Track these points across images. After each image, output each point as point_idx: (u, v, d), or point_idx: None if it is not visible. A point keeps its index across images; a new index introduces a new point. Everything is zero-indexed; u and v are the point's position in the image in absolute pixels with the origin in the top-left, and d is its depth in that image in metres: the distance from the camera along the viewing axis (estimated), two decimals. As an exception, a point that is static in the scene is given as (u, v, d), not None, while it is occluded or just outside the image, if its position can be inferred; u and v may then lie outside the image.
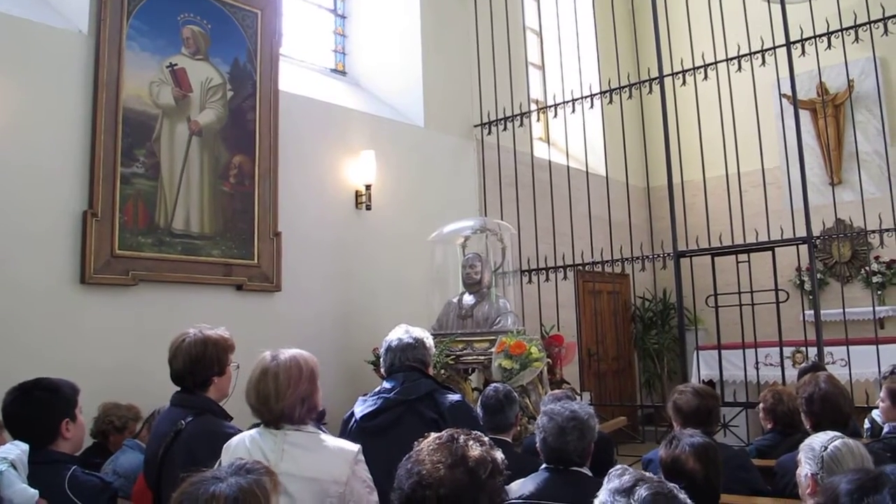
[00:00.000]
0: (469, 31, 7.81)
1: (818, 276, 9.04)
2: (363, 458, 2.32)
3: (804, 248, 6.19)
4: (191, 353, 2.65)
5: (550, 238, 7.22)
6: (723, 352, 6.56)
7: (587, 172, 7.23)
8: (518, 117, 7.56)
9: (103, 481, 2.53)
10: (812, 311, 6.30)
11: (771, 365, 6.99)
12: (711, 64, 6.57)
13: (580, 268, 7.28)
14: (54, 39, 4.72)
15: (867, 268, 9.13)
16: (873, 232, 6.35)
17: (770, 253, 6.12)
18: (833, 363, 6.64)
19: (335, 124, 6.47)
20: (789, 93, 6.47)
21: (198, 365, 2.64)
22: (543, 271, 7.28)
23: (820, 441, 2.49)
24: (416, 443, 1.85)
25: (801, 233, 6.08)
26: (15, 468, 2.24)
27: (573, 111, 7.33)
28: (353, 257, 6.39)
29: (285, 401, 2.22)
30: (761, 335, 6.28)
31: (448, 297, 5.81)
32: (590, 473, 2.69)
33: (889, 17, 6.10)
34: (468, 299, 5.63)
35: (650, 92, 6.92)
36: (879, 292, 8.95)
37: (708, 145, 6.41)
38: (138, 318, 4.83)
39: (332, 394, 5.46)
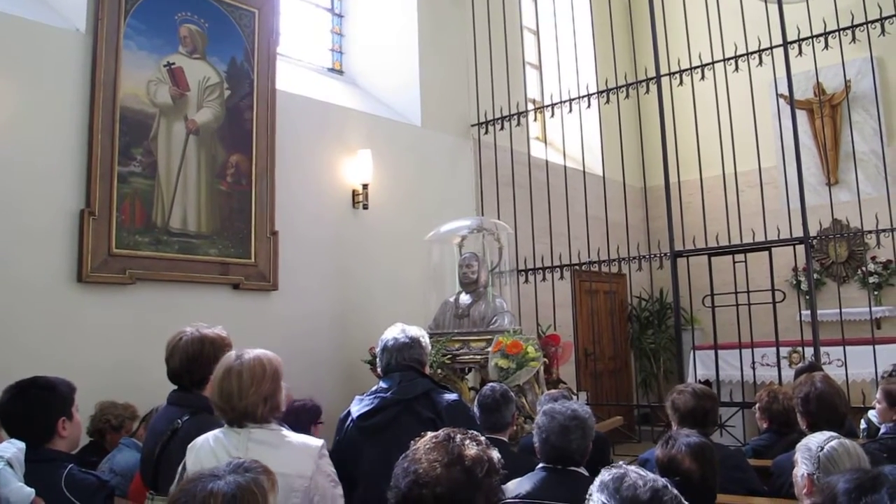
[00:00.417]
0: (466, 30, 7.81)
1: (815, 276, 9.03)
2: (327, 452, 2.35)
3: (801, 249, 6.20)
4: (187, 351, 2.66)
5: (547, 238, 7.22)
6: (719, 352, 6.57)
7: (584, 172, 7.24)
8: (515, 117, 7.56)
9: (100, 480, 2.53)
10: (809, 312, 6.31)
11: (767, 365, 7.00)
12: (708, 64, 6.58)
13: (577, 267, 7.28)
14: (51, 38, 4.72)
15: (864, 268, 9.15)
16: (870, 232, 6.36)
17: (767, 253, 6.13)
18: (829, 363, 6.65)
19: (332, 123, 6.47)
20: (786, 93, 6.47)
21: (194, 363, 2.65)
22: (540, 271, 7.28)
23: (816, 441, 2.50)
24: (412, 442, 1.86)
25: (798, 233, 6.09)
26: (11, 466, 2.23)
27: (570, 111, 7.33)
28: (350, 256, 6.39)
29: (248, 399, 2.24)
30: (758, 335, 6.29)
31: (445, 296, 5.81)
32: (586, 473, 2.69)
33: (886, 18, 6.11)
34: (465, 299, 5.63)
35: (647, 92, 6.92)
36: (876, 292, 8.96)
37: (705, 145, 6.41)
38: (135, 317, 4.83)
39: (329, 393, 5.48)
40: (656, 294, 9.67)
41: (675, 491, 1.54)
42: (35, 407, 2.49)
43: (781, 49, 6.18)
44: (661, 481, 1.54)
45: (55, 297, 4.52)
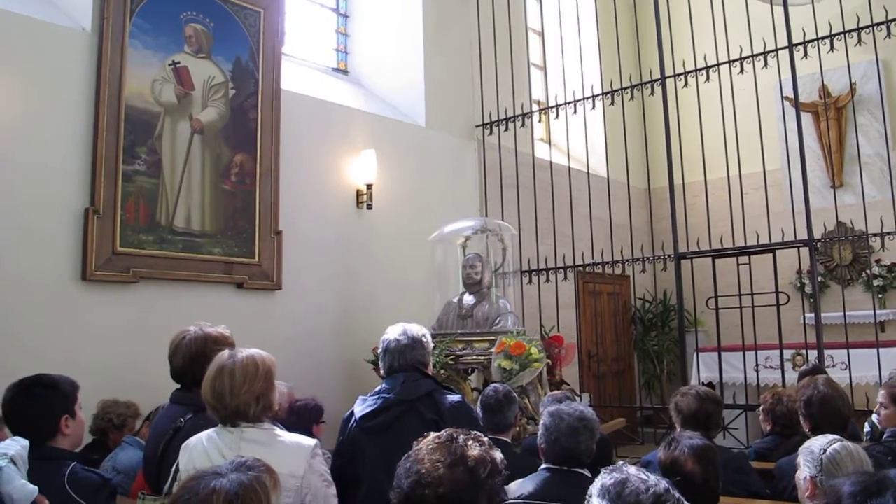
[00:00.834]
0: (471, 30, 7.81)
1: (819, 278, 9.03)
2: (320, 452, 2.34)
3: (805, 251, 6.19)
4: (191, 350, 2.66)
5: (551, 239, 7.22)
6: (723, 354, 6.56)
7: (588, 173, 7.23)
8: (519, 118, 7.56)
9: (103, 478, 2.53)
10: (812, 314, 6.30)
11: (771, 368, 6.99)
12: (713, 66, 6.57)
13: (580, 269, 7.28)
14: (57, 37, 4.73)
15: (868, 271, 9.13)
16: (874, 235, 6.34)
17: (771, 255, 6.12)
18: (833, 366, 6.63)
19: (337, 123, 6.48)
20: (791, 95, 6.46)
21: (197, 362, 2.64)
22: (544, 272, 7.28)
23: (819, 444, 2.49)
24: (415, 442, 1.86)
25: (802, 235, 6.07)
26: (15, 464, 2.24)
27: (575, 112, 7.33)
28: (354, 256, 6.40)
29: (240, 398, 2.24)
30: (761, 338, 6.28)
31: (448, 296, 5.81)
32: (589, 474, 2.69)
33: (892, 20, 6.09)
34: (468, 299, 5.63)
35: (652, 93, 6.92)
36: (880, 296, 8.95)
37: (709, 147, 6.40)
38: (139, 316, 4.84)
39: (332, 392, 5.48)
40: (660, 296, 9.65)
41: (678, 494, 1.53)
42: (38, 405, 2.49)
43: (787, 51, 6.17)
44: (664, 484, 1.53)
45: (59, 295, 4.52)
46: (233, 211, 5.45)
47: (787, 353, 6.77)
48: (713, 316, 6.39)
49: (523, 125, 7.62)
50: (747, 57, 6.45)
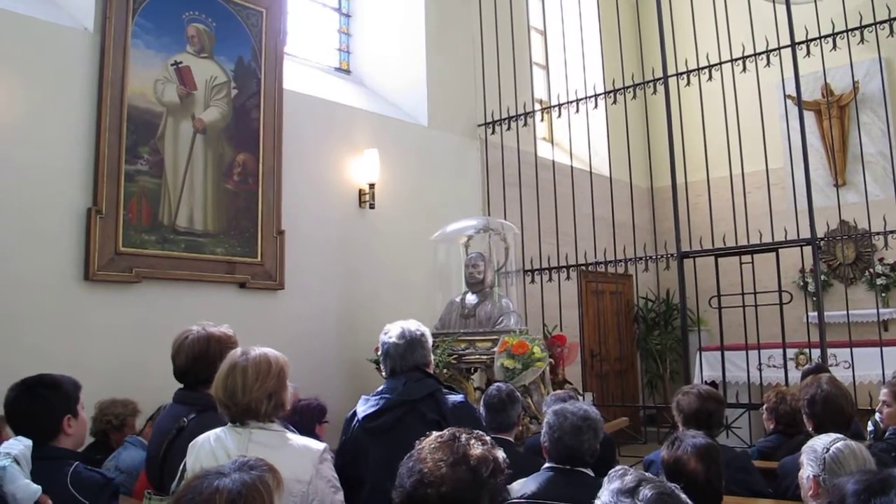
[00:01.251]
0: (473, 30, 7.81)
1: (822, 277, 9.03)
2: (329, 457, 2.32)
3: (808, 250, 6.18)
4: (193, 350, 2.66)
5: (553, 238, 7.21)
6: (726, 353, 6.55)
7: (591, 172, 7.22)
8: (522, 117, 7.55)
9: (105, 477, 2.53)
10: (815, 313, 6.29)
11: (774, 367, 6.98)
12: (716, 64, 6.56)
13: (583, 268, 7.28)
14: (60, 37, 4.74)
15: (871, 270, 9.11)
16: (877, 234, 6.33)
17: (774, 254, 6.11)
18: (836, 365, 6.63)
19: (339, 123, 6.48)
20: (794, 94, 6.45)
21: (200, 362, 2.64)
22: (546, 271, 7.28)
23: (822, 443, 2.49)
24: (417, 442, 1.85)
25: (805, 234, 6.06)
26: (18, 464, 2.24)
27: (577, 111, 7.33)
28: (357, 256, 6.40)
29: (252, 395, 2.23)
30: (764, 337, 6.27)
31: (451, 296, 5.81)
32: (592, 474, 2.68)
33: (895, 19, 6.07)
34: (471, 299, 5.63)
35: (654, 92, 6.91)
36: (883, 294, 8.93)
37: (712, 146, 6.39)
38: (142, 316, 4.84)
39: (335, 392, 5.48)
40: (663, 295, 9.64)
41: (684, 496, 1.53)
42: (41, 405, 2.49)
43: (789, 49, 6.16)
44: (670, 486, 1.54)
45: (62, 295, 4.53)
46: (235, 211, 5.46)
47: (790, 352, 6.77)
48: (716, 315, 6.38)
49: (525, 124, 7.61)
50: (750, 55, 6.44)
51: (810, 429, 3.38)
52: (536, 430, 4.44)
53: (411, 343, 2.93)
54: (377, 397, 2.89)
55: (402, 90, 7.46)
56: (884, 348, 6.21)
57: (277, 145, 5.75)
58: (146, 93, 5.03)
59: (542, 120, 8.44)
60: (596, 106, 7.26)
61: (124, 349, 4.71)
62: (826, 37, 6.24)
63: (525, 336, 5.14)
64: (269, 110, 5.73)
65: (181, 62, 5.26)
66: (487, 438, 1.86)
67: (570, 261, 7.13)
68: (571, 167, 7.40)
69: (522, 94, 7.74)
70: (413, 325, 2.99)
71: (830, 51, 6.25)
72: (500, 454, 1.83)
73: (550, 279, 7.23)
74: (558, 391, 4.74)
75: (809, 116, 9.24)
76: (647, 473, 1.60)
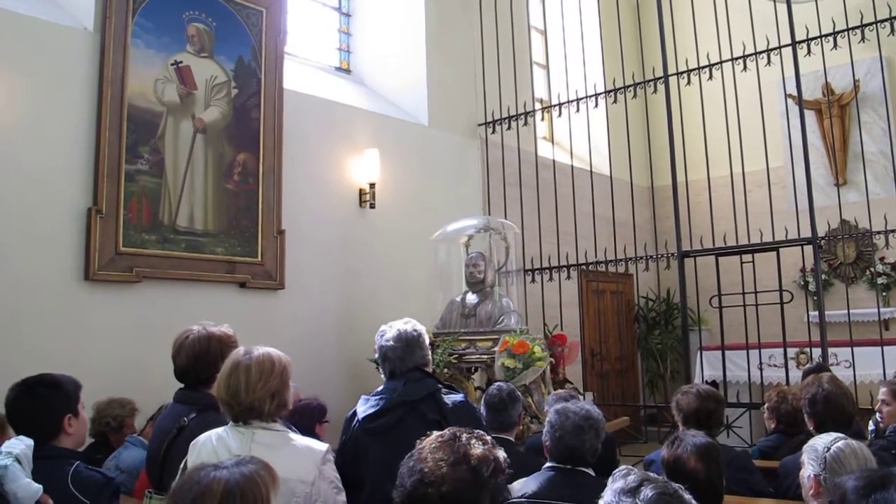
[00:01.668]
0: (473, 29, 7.80)
1: (823, 276, 9.02)
2: (332, 458, 2.32)
3: (809, 249, 6.17)
4: (194, 349, 2.66)
5: (554, 237, 7.21)
6: (726, 352, 6.55)
7: (591, 172, 7.22)
8: (522, 116, 7.55)
9: (106, 477, 2.53)
10: (816, 312, 6.28)
11: (775, 366, 6.98)
12: (716, 63, 6.56)
13: (584, 267, 7.28)
14: (60, 37, 4.73)
15: (872, 269, 9.11)
16: (878, 233, 6.33)
17: (774, 253, 6.10)
18: (837, 364, 6.62)
19: (339, 122, 6.47)
20: (794, 93, 6.45)
21: (201, 362, 2.65)
22: (547, 270, 7.27)
23: (823, 442, 2.48)
24: (418, 442, 1.85)
25: (806, 233, 6.06)
26: (20, 463, 2.24)
27: (577, 110, 7.33)
28: (357, 255, 6.39)
29: (255, 394, 2.23)
30: (765, 336, 6.27)
31: (451, 295, 5.81)
32: (593, 473, 2.68)
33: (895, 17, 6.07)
34: (471, 298, 5.63)
35: (655, 91, 6.90)
36: (884, 293, 8.93)
37: (712, 145, 6.39)
38: (142, 315, 4.84)
39: (335, 391, 5.48)
40: (663, 294, 9.63)
41: (688, 495, 1.54)
42: (41, 404, 2.49)
43: (790, 48, 6.16)
44: (673, 486, 1.54)
45: (62, 295, 4.53)
46: (235, 210, 5.46)
47: (791, 352, 6.77)
48: (716, 314, 6.39)
49: (526, 124, 7.61)
50: (750, 54, 6.44)
51: (811, 428, 3.38)
52: (537, 430, 4.44)
53: (409, 344, 2.91)
54: (377, 398, 2.88)
55: (403, 90, 7.46)
56: (884, 347, 6.21)
57: (278, 145, 5.75)
58: (146, 92, 5.03)
59: (542, 119, 8.44)
60: (596, 105, 7.25)
61: (125, 349, 4.71)
62: (827, 35, 6.24)
63: (526, 335, 5.14)
64: (269, 110, 5.72)
65: (181, 62, 5.25)
66: (488, 438, 1.86)
67: (570, 260, 7.13)
68: (572, 166, 7.40)
69: (523, 94, 7.74)
70: (409, 326, 2.96)
71: (831, 49, 6.25)
72: (501, 454, 1.83)
73: (551, 278, 7.23)
74: (559, 391, 4.74)
75: (810, 115, 9.23)
76: (651, 474, 1.60)
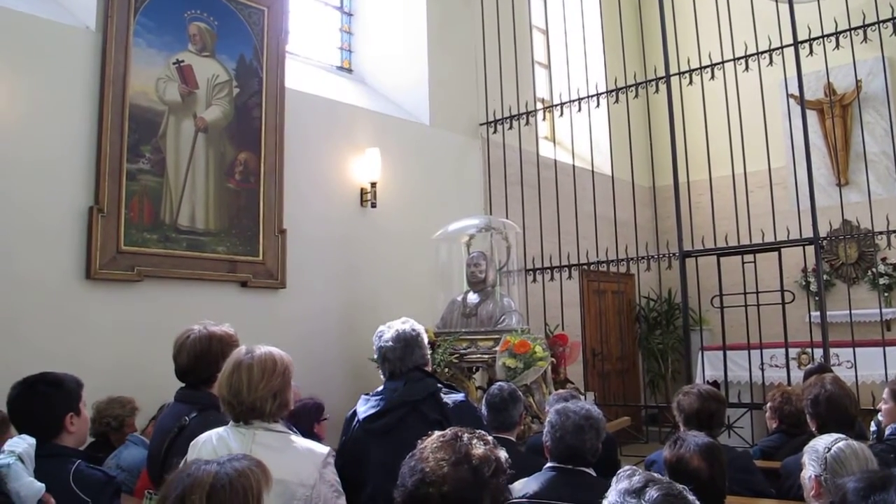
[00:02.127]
0: (475, 29, 7.80)
1: (824, 277, 9.01)
2: (333, 461, 2.31)
3: (810, 249, 6.17)
4: (195, 349, 2.66)
5: (555, 237, 7.21)
6: (728, 353, 6.54)
7: (593, 171, 7.22)
8: (524, 116, 7.55)
9: (107, 475, 2.53)
10: (818, 313, 6.28)
11: (776, 366, 6.97)
12: (718, 63, 6.55)
13: (585, 267, 7.27)
14: (62, 36, 4.73)
15: (874, 269, 9.10)
16: (880, 233, 6.33)
17: (776, 253, 6.10)
18: (839, 365, 6.61)
19: (341, 122, 6.47)
20: (796, 93, 6.45)
21: (202, 361, 2.65)
22: (548, 270, 7.27)
23: (824, 443, 2.48)
24: (419, 442, 1.85)
25: (808, 233, 6.05)
26: (22, 461, 2.25)
27: (579, 110, 7.32)
28: (358, 255, 6.39)
29: (257, 393, 2.23)
30: (767, 336, 6.26)
31: (452, 295, 5.81)
32: (594, 473, 2.68)
33: (898, 17, 6.07)
34: (472, 298, 5.63)
35: (656, 91, 6.90)
36: (886, 294, 8.92)
37: (714, 145, 6.39)
38: (143, 314, 4.84)
39: (336, 390, 5.49)
40: (664, 294, 9.64)
41: (692, 496, 1.54)
42: (43, 403, 2.50)
43: (792, 48, 6.15)
44: (678, 487, 1.54)
45: (63, 294, 4.53)
46: (237, 209, 5.46)
47: (793, 352, 6.75)
48: (718, 314, 6.38)
49: (527, 123, 7.61)
50: (752, 54, 6.43)
51: (814, 429, 3.38)
52: (538, 430, 4.43)
53: (408, 344, 2.91)
54: (378, 398, 2.87)
55: (404, 89, 7.46)
56: (886, 348, 6.21)
57: (279, 144, 5.74)
58: (148, 91, 5.03)
59: (543, 119, 8.43)
60: (598, 105, 7.25)
61: (126, 348, 4.71)
62: (829, 35, 6.23)
63: (527, 335, 5.14)
64: (270, 109, 5.72)
65: (183, 61, 5.25)
66: (489, 438, 1.86)
67: (571, 260, 7.13)
68: (573, 166, 7.40)
69: (524, 93, 7.74)
70: (407, 326, 2.96)
71: (833, 50, 6.24)
72: (502, 454, 1.83)
73: (552, 278, 7.23)
74: (560, 390, 4.74)
75: (812, 115, 9.23)
76: (656, 475, 1.60)
